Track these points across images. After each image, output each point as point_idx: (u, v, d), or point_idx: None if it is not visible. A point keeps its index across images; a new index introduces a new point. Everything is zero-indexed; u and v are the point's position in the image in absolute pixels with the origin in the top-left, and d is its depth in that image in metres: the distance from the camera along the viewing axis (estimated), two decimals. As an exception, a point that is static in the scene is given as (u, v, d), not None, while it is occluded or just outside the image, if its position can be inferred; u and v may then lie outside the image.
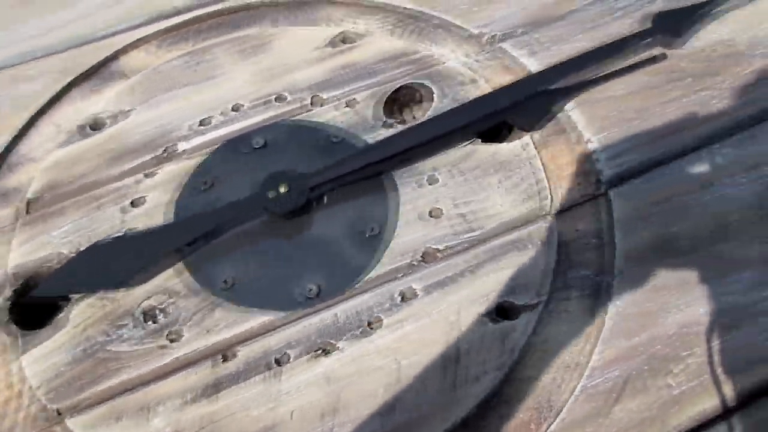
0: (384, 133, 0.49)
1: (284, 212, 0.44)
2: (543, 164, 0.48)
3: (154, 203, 0.47)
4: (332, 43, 0.55)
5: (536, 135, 0.49)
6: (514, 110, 0.49)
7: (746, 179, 0.45)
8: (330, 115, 0.51)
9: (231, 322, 0.42)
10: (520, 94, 0.49)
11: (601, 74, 0.51)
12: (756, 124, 0.48)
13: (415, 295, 0.42)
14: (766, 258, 0.42)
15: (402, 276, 0.43)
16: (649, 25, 0.52)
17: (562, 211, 0.46)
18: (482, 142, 0.49)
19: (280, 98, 0.52)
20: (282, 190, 0.45)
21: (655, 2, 0.55)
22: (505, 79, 0.52)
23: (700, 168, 0.46)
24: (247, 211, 0.45)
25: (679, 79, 0.51)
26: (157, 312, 0.43)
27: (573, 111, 0.50)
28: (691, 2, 0.55)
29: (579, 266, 0.43)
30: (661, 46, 0.52)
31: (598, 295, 0.42)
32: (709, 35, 0.53)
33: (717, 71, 0.51)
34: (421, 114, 0.51)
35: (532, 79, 0.50)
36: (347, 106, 0.51)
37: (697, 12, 0.52)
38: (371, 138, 0.49)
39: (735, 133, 0.48)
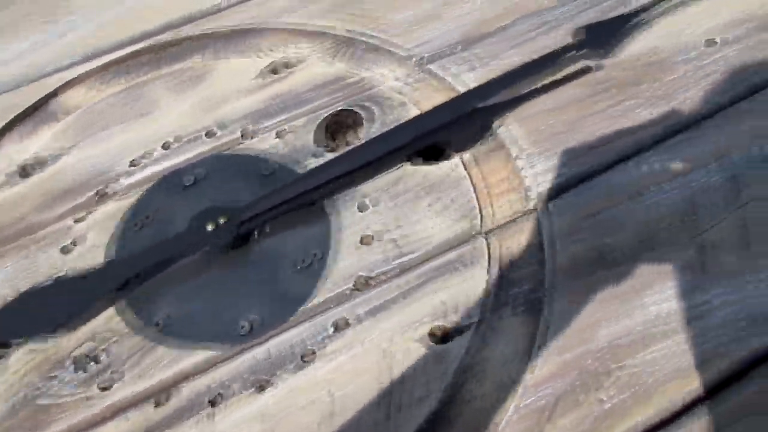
0: (316, 162, 0.49)
1: (216, 247, 0.44)
2: (474, 183, 0.48)
3: (92, 244, 0.47)
4: (266, 73, 0.55)
5: (467, 154, 0.49)
6: (445, 130, 0.49)
7: (672, 186, 0.46)
8: (263, 146, 0.51)
9: (165, 364, 0.42)
10: (451, 114, 0.49)
11: (531, 89, 0.52)
12: (682, 130, 0.48)
13: (348, 325, 0.42)
14: (694, 264, 0.42)
15: (335, 306, 0.43)
16: (578, 37, 0.52)
17: (495, 229, 0.46)
18: (414, 164, 0.49)
19: (213, 132, 0.52)
20: (213, 225, 0.44)
21: (584, 15, 0.56)
22: (435, 99, 0.52)
23: (629, 178, 0.46)
24: (181, 248, 0.44)
25: (606, 90, 0.51)
26: (93, 356, 0.42)
27: (503, 128, 0.50)
28: (619, 13, 0.55)
29: (512, 284, 0.43)
30: (591, 58, 0.52)
31: (532, 312, 0.42)
32: (634, 44, 0.54)
33: (642, 80, 0.51)
34: (354, 140, 0.51)
35: (462, 98, 0.50)
36: (278, 137, 0.51)
37: (625, 23, 0.52)
38: (303, 167, 0.49)
39: (661, 141, 0.48)
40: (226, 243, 0.44)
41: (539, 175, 0.47)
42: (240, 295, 0.44)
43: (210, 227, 0.44)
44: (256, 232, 0.46)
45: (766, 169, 0.46)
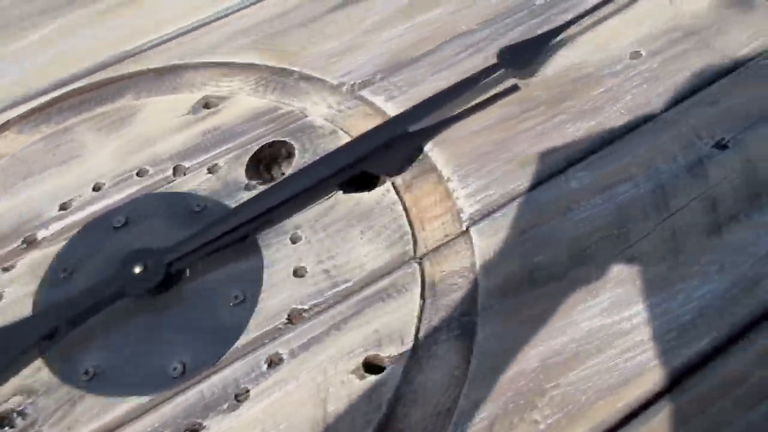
0: (249, 196, 0.49)
1: (142, 292, 0.43)
2: (406, 208, 0.48)
3: (14, 297, 0.46)
4: (195, 109, 0.55)
5: (399, 179, 0.49)
6: (375, 156, 0.49)
7: (601, 200, 0.46)
8: (193, 183, 0.50)
9: (95, 414, 0.41)
10: (379, 141, 0.49)
11: (460, 111, 0.52)
12: (608, 144, 0.49)
13: (282, 360, 0.41)
14: (622, 278, 0.42)
15: (269, 342, 0.42)
16: (501, 57, 0.53)
17: (428, 254, 0.45)
18: (346, 192, 0.48)
19: (142, 172, 0.51)
20: (141, 267, 0.43)
21: (509, 35, 0.56)
22: (368, 126, 0.52)
23: (559, 194, 0.47)
24: (108, 294, 0.43)
25: (534, 107, 0.51)
26: (20, 411, 0.41)
27: (433, 151, 0.50)
28: (543, 30, 0.55)
29: (446, 308, 0.43)
30: (517, 77, 0.52)
31: (466, 336, 0.42)
32: (560, 60, 0.54)
33: (569, 95, 0.52)
34: (287, 171, 0.51)
35: (391, 123, 0.50)
36: (210, 172, 0.51)
37: (541, 43, 0.52)
38: (234, 202, 0.49)
39: (589, 155, 0.48)
40: (154, 286, 0.43)
41: (470, 196, 0.47)
42: (171, 337, 0.43)
43: (138, 269, 0.43)
44: (187, 271, 0.45)
45: (692, 177, 0.46)
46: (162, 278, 0.43)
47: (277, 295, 0.44)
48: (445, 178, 0.48)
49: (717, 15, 0.56)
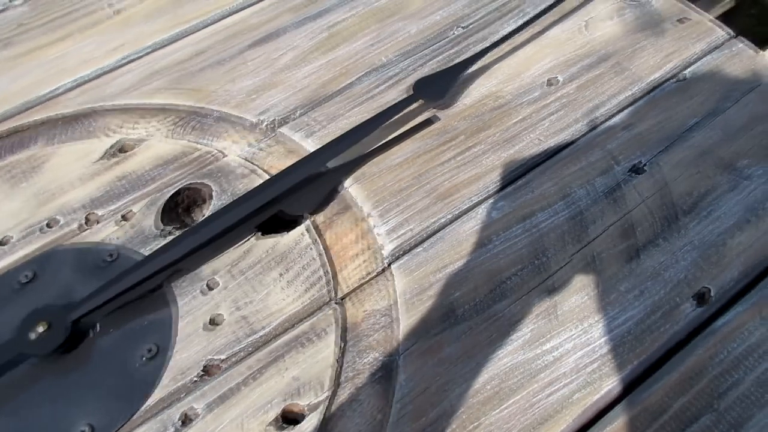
0: (161, 244, 0.47)
1: (46, 353, 0.41)
2: (326, 247, 0.46)
3: None
4: (109, 155, 0.53)
5: (319, 217, 0.48)
6: (293, 195, 0.48)
7: (521, 230, 0.45)
8: (106, 232, 0.48)
9: (-4, 487, 0.38)
10: (296, 179, 0.48)
11: (378, 145, 0.51)
12: (527, 172, 0.48)
13: (197, 416, 0.39)
14: (543, 310, 0.42)
15: (183, 396, 0.40)
16: (416, 90, 0.52)
17: (348, 294, 0.44)
18: (263, 234, 0.47)
19: (52, 223, 0.49)
20: (45, 326, 0.41)
21: (425, 66, 0.56)
22: (285, 165, 0.51)
23: (477, 226, 0.46)
24: (8, 358, 0.41)
25: (452, 138, 0.51)
26: None
27: (352, 187, 0.49)
28: (460, 60, 0.55)
29: (368, 349, 0.42)
30: (434, 109, 0.52)
31: (388, 378, 0.40)
32: (478, 90, 0.54)
33: (488, 125, 0.51)
34: (202, 216, 0.49)
35: (307, 160, 0.49)
36: (124, 220, 0.49)
37: (456, 73, 0.52)
38: (148, 251, 0.47)
39: (508, 185, 0.48)
40: (59, 345, 0.41)
41: (391, 232, 0.46)
42: (79, 398, 0.41)
43: (41, 329, 0.41)
44: (96, 327, 0.43)
45: (610, 203, 0.46)
46: (67, 336, 0.41)
47: (192, 346, 0.42)
48: (365, 214, 0.47)
49: (630, 39, 0.56)
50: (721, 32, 0.56)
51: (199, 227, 0.46)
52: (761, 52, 0.54)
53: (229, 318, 0.43)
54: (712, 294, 0.42)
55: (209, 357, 0.42)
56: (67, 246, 0.47)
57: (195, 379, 0.41)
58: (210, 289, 0.45)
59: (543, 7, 0.57)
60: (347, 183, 0.49)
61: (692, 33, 0.56)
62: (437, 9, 0.60)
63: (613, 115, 0.51)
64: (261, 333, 0.42)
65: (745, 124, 0.50)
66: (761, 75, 0.53)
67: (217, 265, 0.46)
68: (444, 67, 0.55)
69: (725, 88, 0.52)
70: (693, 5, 0.59)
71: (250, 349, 0.42)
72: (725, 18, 1.47)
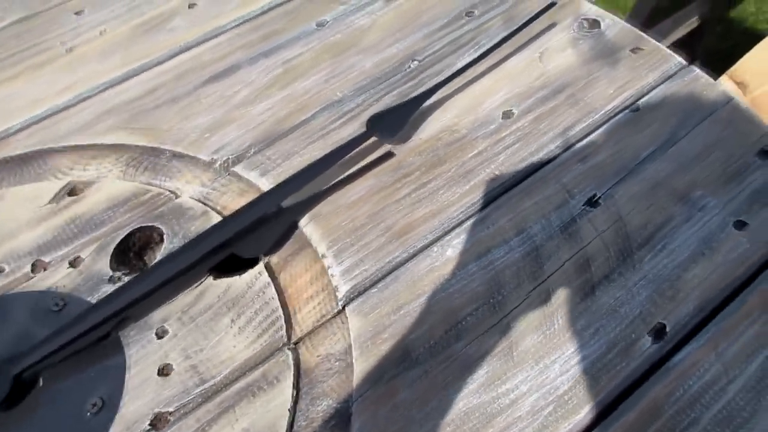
0: (111, 290, 0.45)
1: (-15, 410, 0.39)
2: (281, 289, 0.45)
3: None
4: (58, 197, 0.52)
5: (274, 258, 0.47)
6: (247, 235, 0.47)
7: (476, 267, 0.45)
8: (53, 279, 0.47)
9: None
10: (249, 219, 0.47)
11: (334, 182, 0.50)
12: (483, 208, 0.48)
13: (144, 473, 0.38)
14: (499, 350, 0.41)
15: (130, 452, 0.39)
16: (371, 125, 0.52)
17: (303, 338, 0.43)
18: (216, 277, 0.46)
19: (1, 269, 0.47)
20: (-17, 383, 0.39)
21: (382, 100, 0.55)
22: (239, 204, 0.50)
23: (433, 265, 0.45)
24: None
25: (408, 174, 0.50)
26: None
27: (307, 226, 0.48)
28: (417, 94, 0.55)
29: (322, 396, 0.41)
30: (389, 144, 0.52)
31: (342, 426, 0.39)
32: (434, 124, 0.53)
33: (443, 160, 0.51)
34: (154, 259, 0.48)
35: (259, 201, 0.48)
36: (72, 266, 0.47)
37: (410, 108, 0.52)
38: (98, 297, 0.45)
39: (464, 221, 0.47)
40: (0, 400, 0.39)
41: (346, 273, 0.45)
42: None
43: (-19, 385, 0.39)
44: (40, 380, 0.41)
45: (566, 237, 0.46)
46: (9, 391, 0.39)
47: (140, 397, 0.41)
48: (320, 254, 0.46)
49: (585, 70, 0.56)
50: (676, 60, 0.56)
51: (148, 273, 0.45)
52: (716, 79, 0.55)
53: (179, 367, 0.42)
54: (668, 329, 0.41)
55: (157, 409, 0.40)
56: (12, 294, 0.46)
57: (143, 432, 0.39)
58: (159, 337, 0.43)
59: (498, 39, 0.57)
60: (302, 222, 0.48)
61: (646, 62, 0.56)
62: (392, 43, 0.60)
63: (568, 148, 0.51)
64: (211, 382, 0.41)
65: (698, 153, 0.50)
66: (715, 103, 0.53)
67: (168, 312, 0.44)
68: (399, 102, 0.54)
69: (679, 117, 0.52)
70: (647, 34, 0.59)
71: (199, 399, 0.41)
72: (691, 37, 1.50)
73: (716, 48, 1.69)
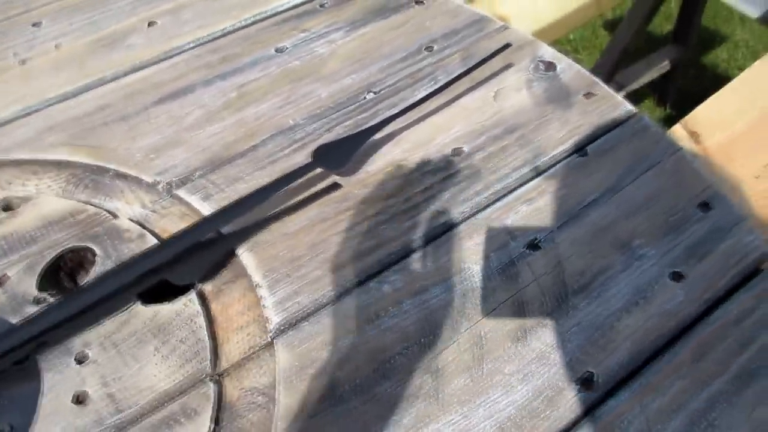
0: (35, 311, 0.44)
1: None
2: (211, 318, 0.44)
3: None
4: (-7, 212, 0.50)
5: (207, 285, 0.46)
6: (180, 262, 0.46)
7: (411, 305, 0.44)
8: (-24, 297, 0.45)
9: None
10: (185, 244, 0.46)
11: (276, 211, 0.49)
12: (425, 245, 0.47)
13: (47, 505, 0.36)
14: (425, 391, 0.40)
15: (35, 483, 0.37)
16: (316, 156, 0.51)
17: (228, 369, 0.42)
18: (145, 303, 0.45)
19: None
20: None
21: (334, 130, 0.55)
22: (178, 228, 0.49)
23: (368, 301, 0.45)
24: None
25: (352, 207, 0.50)
26: None
27: (245, 254, 0.47)
28: (368, 126, 0.55)
29: (241, 432, 0.39)
30: (335, 176, 0.51)
31: (259, 463, 0.38)
32: (383, 158, 0.53)
33: (389, 194, 0.51)
34: (83, 281, 0.47)
35: (201, 224, 0.48)
36: (-2, 284, 0.46)
37: (358, 141, 0.51)
38: (20, 318, 0.44)
39: (405, 257, 0.47)
40: None
41: (278, 304, 0.44)
42: None
43: None
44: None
45: (504, 279, 0.45)
46: None
47: (51, 427, 0.39)
48: (255, 284, 0.45)
49: (537, 111, 0.56)
50: (627, 108, 0.57)
51: (74, 295, 0.44)
52: (663, 129, 0.55)
53: (95, 395, 0.41)
54: (596, 379, 0.41)
55: (69, 438, 0.39)
56: (-69, 311, 0.44)
57: (51, 463, 0.38)
58: (79, 363, 0.42)
59: (454, 75, 0.57)
60: (240, 250, 0.48)
61: (598, 108, 0.57)
62: (350, 73, 0.60)
63: (514, 189, 0.51)
64: (126, 413, 0.40)
65: (642, 202, 0.50)
66: (662, 153, 0.53)
67: (90, 337, 0.43)
68: (351, 132, 0.54)
69: (626, 164, 0.52)
70: (618, 74, 0.59)
71: (115, 429, 0.39)
72: (664, 78, 1.52)
73: (689, 91, 1.72)
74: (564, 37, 1.80)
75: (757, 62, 0.78)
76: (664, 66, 1.47)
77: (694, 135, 0.68)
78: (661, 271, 0.46)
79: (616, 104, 0.57)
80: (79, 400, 0.41)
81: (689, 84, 1.76)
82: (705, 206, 0.50)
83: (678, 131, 0.68)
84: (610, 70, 1.34)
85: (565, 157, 0.53)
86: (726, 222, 0.48)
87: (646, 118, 0.56)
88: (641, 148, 0.54)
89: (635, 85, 1.41)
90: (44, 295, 0.46)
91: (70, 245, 0.48)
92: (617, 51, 1.30)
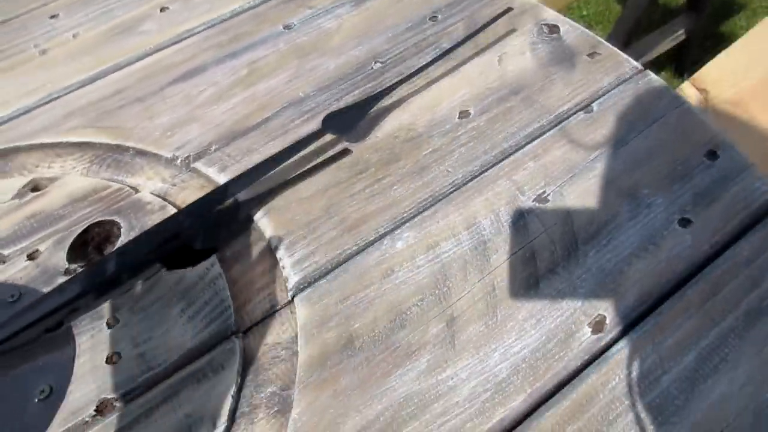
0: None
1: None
2: (232, 280, 0.46)
3: None
4: (21, 194, 0.53)
5: (227, 250, 0.48)
6: (199, 229, 0.48)
7: (425, 259, 0.46)
8: (10, 272, 0.48)
9: None
10: (203, 211, 0.48)
11: (290, 177, 0.51)
12: (435, 203, 0.49)
13: (86, 457, 0.38)
14: (441, 339, 0.42)
15: (74, 437, 0.39)
16: (326, 123, 0.53)
17: (252, 327, 0.44)
18: (170, 269, 0.47)
19: (-43, 265, 0.48)
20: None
21: (342, 99, 0.57)
22: (197, 199, 0.51)
23: (382, 257, 0.46)
24: None
25: (364, 170, 0.51)
26: None
27: (262, 219, 0.49)
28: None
29: (266, 383, 0.42)
30: (347, 141, 0.53)
31: (283, 412, 0.40)
32: (391, 123, 0.55)
33: (399, 157, 0.52)
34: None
35: (214, 194, 0.49)
36: (30, 259, 0.48)
37: (364, 107, 0.53)
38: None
39: (416, 215, 0.48)
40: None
41: (296, 264, 0.46)
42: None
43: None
44: (-10, 367, 0.42)
45: (513, 232, 0.47)
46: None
47: (86, 385, 0.41)
48: (273, 246, 0.47)
49: (541, 73, 0.57)
50: (631, 65, 0.57)
51: (101, 264, 0.46)
52: (667, 84, 0.56)
53: (126, 356, 0.43)
54: (607, 322, 0.42)
55: (102, 396, 0.41)
56: (-32, 285, 0.47)
57: (87, 419, 0.40)
58: (110, 326, 0.44)
59: (458, 41, 0.59)
60: (257, 216, 0.49)
61: (602, 66, 0.58)
62: (356, 45, 0.61)
63: (521, 147, 0.52)
64: (157, 370, 0.42)
65: (648, 154, 0.51)
66: (667, 107, 0.54)
67: (119, 303, 0.45)
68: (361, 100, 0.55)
69: (631, 119, 0.53)
70: (632, 47, 0.60)
71: (143, 387, 0.41)
72: (680, 48, 1.51)
73: (707, 61, 1.71)
74: (577, 12, 1.79)
75: (766, 18, 0.78)
76: (680, 35, 1.46)
77: (702, 92, 0.68)
78: (669, 217, 0.47)
79: (621, 62, 0.58)
80: (112, 360, 0.43)
81: (707, 55, 1.75)
82: (712, 155, 0.51)
83: (686, 89, 0.69)
84: (624, 41, 1.33)
85: (571, 115, 0.54)
86: (733, 169, 0.49)
87: (651, 74, 0.56)
88: (647, 103, 0.54)
89: (650, 56, 1.41)
90: (74, 266, 0.48)
91: (96, 219, 0.50)
92: (631, 21, 1.30)
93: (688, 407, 0.39)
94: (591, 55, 0.59)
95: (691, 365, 0.40)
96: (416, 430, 0.39)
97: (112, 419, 0.40)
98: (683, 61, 1.57)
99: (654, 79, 0.56)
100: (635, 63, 0.58)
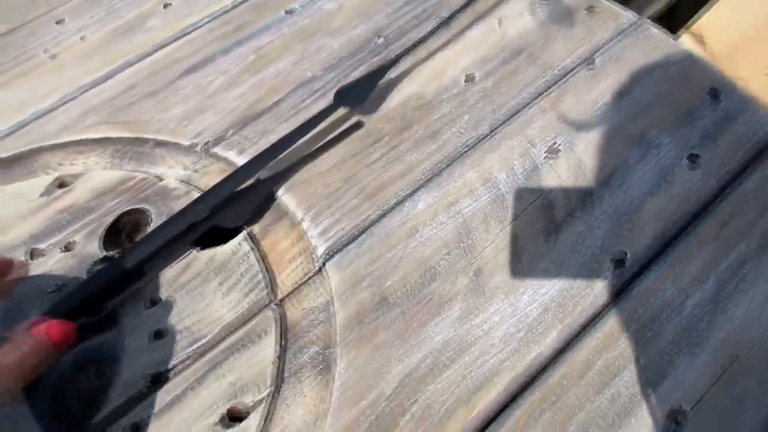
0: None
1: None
2: (264, 255, 0.48)
3: None
4: (49, 191, 0.54)
5: (255, 227, 0.50)
6: (225, 209, 0.50)
7: (447, 216, 0.47)
8: (48, 264, 0.50)
9: None
10: (226, 192, 0.50)
11: (307, 153, 0.53)
12: (450, 163, 0.50)
13: (147, 425, 0.40)
14: (471, 288, 0.44)
15: (130, 410, 0.41)
16: (338, 98, 0.55)
17: (286, 296, 0.46)
18: (202, 248, 0.49)
19: (-4, 261, 0.50)
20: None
21: (350, 76, 0.58)
22: (221, 182, 0.52)
23: (405, 219, 0.48)
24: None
25: (379, 140, 0.53)
26: None
27: (285, 195, 0.51)
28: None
29: (308, 345, 0.43)
30: (359, 114, 0.54)
31: (328, 369, 0.42)
32: (400, 93, 0.56)
33: (411, 124, 0.54)
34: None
35: (235, 175, 0.51)
36: (66, 250, 0.50)
37: (372, 80, 0.55)
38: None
39: (433, 177, 0.50)
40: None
41: (323, 234, 0.48)
42: (29, 420, 0.41)
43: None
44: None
45: (529, 183, 0.48)
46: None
47: (137, 361, 0.44)
48: (298, 219, 0.49)
49: (542, 32, 0.59)
50: (628, 16, 0.59)
51: (133, 249, 0.48)
52: (668, 34, 0.57)
53: (172, 330, 0.45)
54: (628, 257, 0.44)
55: (152, 370, 0.43)
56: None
57: (143, 390, 0.42)
58: (153, 305, 0.46)
59: (457, 9, 0.60)
60: (280, 192, 0.51)
61: (600, 20, 0.59)
62: (358, 24, 0.63)
63: (528, 104, 0.54)
64: (201, 342, 0.44)
65: (652, 100, 0.53)
66: (668, 55, 0.56)
67: (158, 284, 0.47)
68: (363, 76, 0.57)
69: (633, 69, 0.55)
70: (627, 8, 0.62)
71: (191, 359, 0.43)
72: (671, 12, 1.52)
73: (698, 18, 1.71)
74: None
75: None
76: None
77: (700, 40, 0.70)
78: (678, 155, 0.49)
79: (619, 14, 0.60)
80: (159, 335, 0.45)
81: (698, 13, 1.75)
82: (714, 95, 0.52)
83: (684, 37, 0.70)
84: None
85: (574, 69, 0.56)
86: (736, 105, 0.51)
87: (649, 23, 0.58)
88: (647, 52, 0.56)
89: (643, 17, 1.42)
90: (111, 253, 0.50)
91: (125, 208, 0.52)
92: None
93: (712, 328, 0.41)
94: (589, 9, 0.60)
95: (711, 289, 0.42)
96: (457, 372, 0.41)
97: (164, 390, 0.42)
98: (675, 23, 1.59)
99: (653, 29, 0.58)
100: (632, 14, 0.59)
